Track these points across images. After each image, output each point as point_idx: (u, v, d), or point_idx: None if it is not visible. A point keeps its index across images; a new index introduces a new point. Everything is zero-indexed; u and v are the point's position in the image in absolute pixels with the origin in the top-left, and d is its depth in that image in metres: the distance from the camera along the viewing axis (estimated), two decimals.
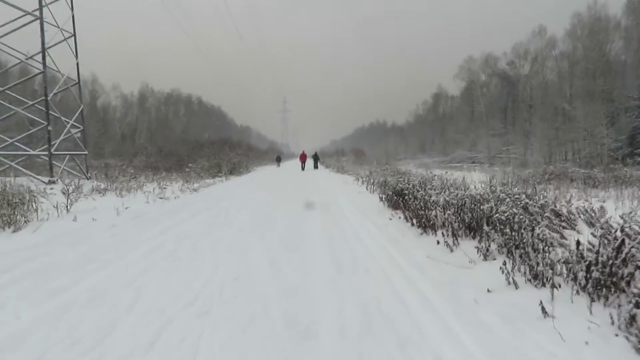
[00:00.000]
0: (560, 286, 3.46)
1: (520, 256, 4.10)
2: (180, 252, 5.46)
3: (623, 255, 3.23)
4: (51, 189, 10.81)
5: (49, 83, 15.86)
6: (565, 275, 3.64)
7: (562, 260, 3.77)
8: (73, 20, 16.84)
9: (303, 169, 32.20)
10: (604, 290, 3.21)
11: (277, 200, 11.55)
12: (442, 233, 5.71)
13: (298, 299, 3.76)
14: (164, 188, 13.24)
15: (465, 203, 6.02)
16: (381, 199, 10.12)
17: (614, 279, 3.19)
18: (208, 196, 13.00)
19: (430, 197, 7.06)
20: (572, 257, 3.70)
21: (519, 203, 5.68)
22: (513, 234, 4.45)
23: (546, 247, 4.08)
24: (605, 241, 3.55)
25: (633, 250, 3.20)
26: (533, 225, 4.72)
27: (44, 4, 15.15)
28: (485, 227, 5.06)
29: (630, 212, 4.01)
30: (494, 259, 4.51)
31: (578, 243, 3.58)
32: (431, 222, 6.21)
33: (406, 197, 7.92)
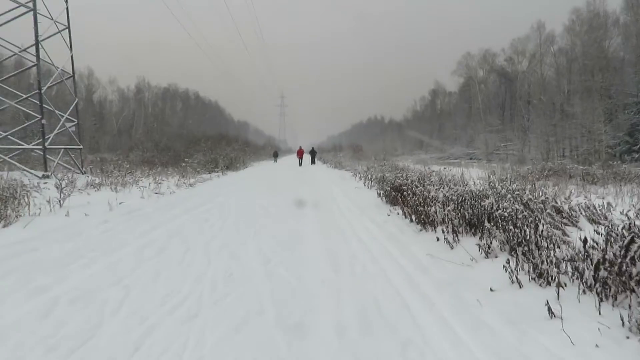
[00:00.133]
0: (566, 285, 3.33)
1: (524, 254, 3.97)
2: (172, 250, 5.30)
3: (632, 254, 3.11)
4: (45, 183, 10.62)
5: (44, 76, 15.63)
6: (570, 274, 3.51)
7: (567, 258, 3.65)
8: (67, 13, 16.56)
9: (300, 164, 32.05)
10: (613, 289, 3.09)
11: (273, 197, 11.39)
12: (442, 230, 5.57)
13: (295, 299, 3.63)
14: (160, 183, 13.07)
15: (465, 199, 5.89)
16: (379, 194, 9.98)
17: (623, 278, 3.06)
18: (204, 191, 12.86)
19: (430, 192, 6.92)
20: (577, 254, 3.57)
21: (519, 199, 5.55)
22: (516, 230, 4.32)
23: (551, 245, 3.95)
24: (612, 239, 3.43)
25: None
26: (536, 222, 4.59)
27: None
28: (487, 224, 4.93)
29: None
30: (496, 257, 4.38)
31: (585, 241, 3.45)
32: (430, 219, 6.08)
33: (405, 192, 7.79)
